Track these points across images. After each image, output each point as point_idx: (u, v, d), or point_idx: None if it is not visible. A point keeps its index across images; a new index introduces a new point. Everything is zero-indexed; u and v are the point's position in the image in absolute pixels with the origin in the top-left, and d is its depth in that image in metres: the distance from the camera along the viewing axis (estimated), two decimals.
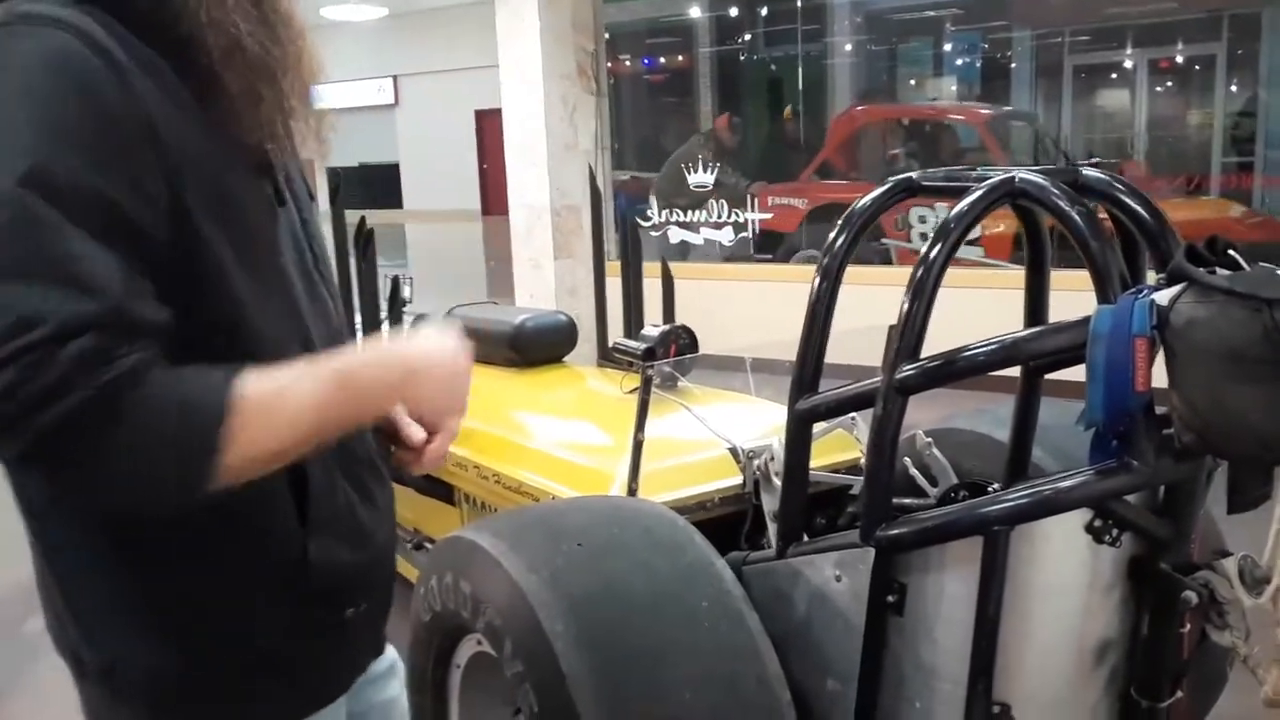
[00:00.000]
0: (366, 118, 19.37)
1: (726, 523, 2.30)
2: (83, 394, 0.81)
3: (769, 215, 7.81)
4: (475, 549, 1.72)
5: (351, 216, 3.97)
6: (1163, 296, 1.23)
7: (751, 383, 2.90)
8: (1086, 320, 1.31)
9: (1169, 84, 10.72)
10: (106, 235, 0.86)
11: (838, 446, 2.41)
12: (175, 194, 0.92)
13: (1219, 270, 1.22)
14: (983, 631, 1.41)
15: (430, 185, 20.02)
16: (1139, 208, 1.47)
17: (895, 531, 1.48)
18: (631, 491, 2.28)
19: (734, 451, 2.41)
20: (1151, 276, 1.40)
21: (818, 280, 1.64)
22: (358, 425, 1.03)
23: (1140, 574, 1.45)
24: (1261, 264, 1.23)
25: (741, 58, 10.69)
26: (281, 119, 1.04)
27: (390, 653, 1.32)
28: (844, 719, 1.58)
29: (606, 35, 7.76)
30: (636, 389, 2.41)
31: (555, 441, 2.78)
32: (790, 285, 5.67)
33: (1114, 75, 11.00)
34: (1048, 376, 1.66)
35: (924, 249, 1.46)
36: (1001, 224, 6.12)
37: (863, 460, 1.95)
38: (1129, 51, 10.35)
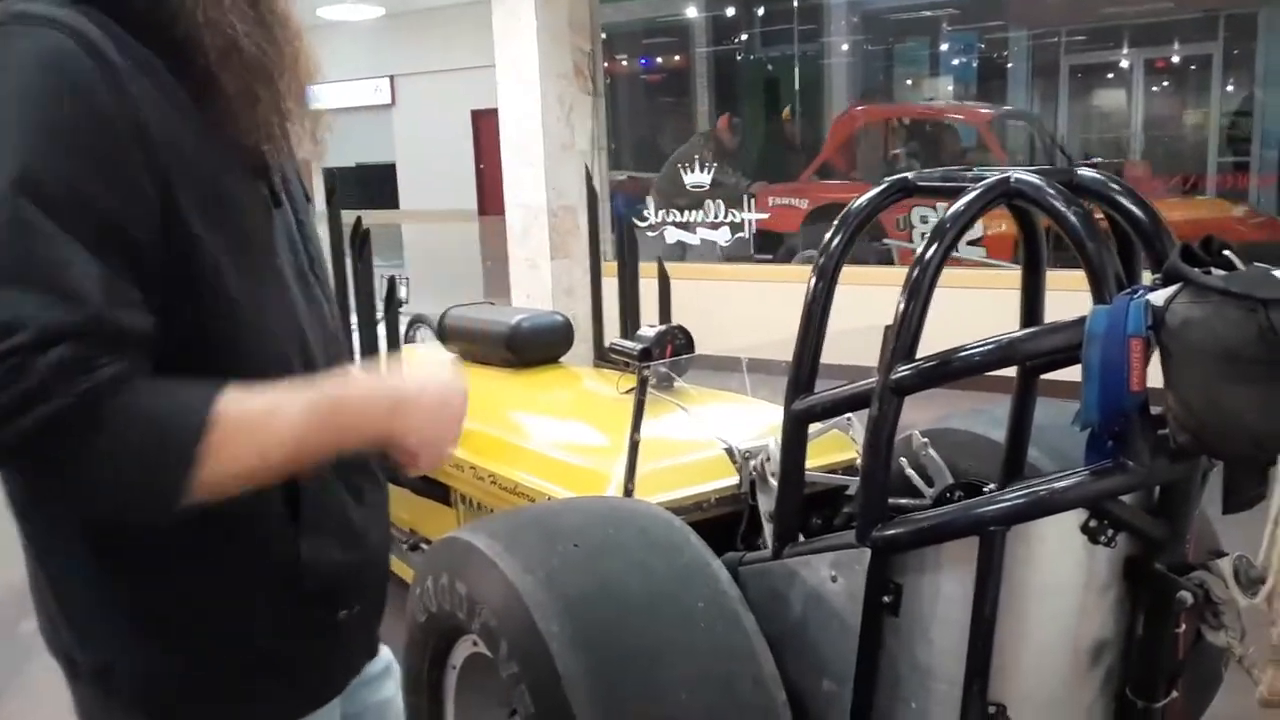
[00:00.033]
0: (363, 118, 19.38)
1: (722, 523, 2.30)
2: (61, 401, 0.81)
3: (766, 215, 7.81)
4: (471, 550, 1.71)
5: (348, 216, 3.96)
6: (1158, 297, 1.23)
7: (748, 383, 2.90)
8: (1082, 320, 1.30)
9: (1165, 84, 10.72)
10: (96, 241, 0.86)
11: (834, 447, 2.40)
12: (168, 195, 0.92)
13: (1214, 270, 1.22)
14: (978, 632, 1.41)
15: (427, 185, 20.01)
16: (1134, 208, 1.47)
17: (891, 532, 1.48)
18: (628, 492, 2.28)
19: (730, 452, 2.41)
20: (1147, 277, 1.40)
21: (814, 280, 1.64)
22: (340, 451, 1.02)
23: (1135, 574, 1.45)
24: (1256, 264, 1.23)
25: (738, 58, 10.68)
26: (278, 120, 1.04)
27: (385, 654, 1.32)
28: (840, 719, 1.58)
29: (603, 35, 7.77)
30: (633, 389, 2.41)
31: (551, 442, 2.78)
32: (787, 285, 5.66)
33: (1110, 75, 11.00)
34: (1044, 376, 1.65)
35: (919, 249, 1.46)
36: (1004, 224, 6.10)
37: (858, 461, 1.95)
38: (1125, 51, 10.35)
